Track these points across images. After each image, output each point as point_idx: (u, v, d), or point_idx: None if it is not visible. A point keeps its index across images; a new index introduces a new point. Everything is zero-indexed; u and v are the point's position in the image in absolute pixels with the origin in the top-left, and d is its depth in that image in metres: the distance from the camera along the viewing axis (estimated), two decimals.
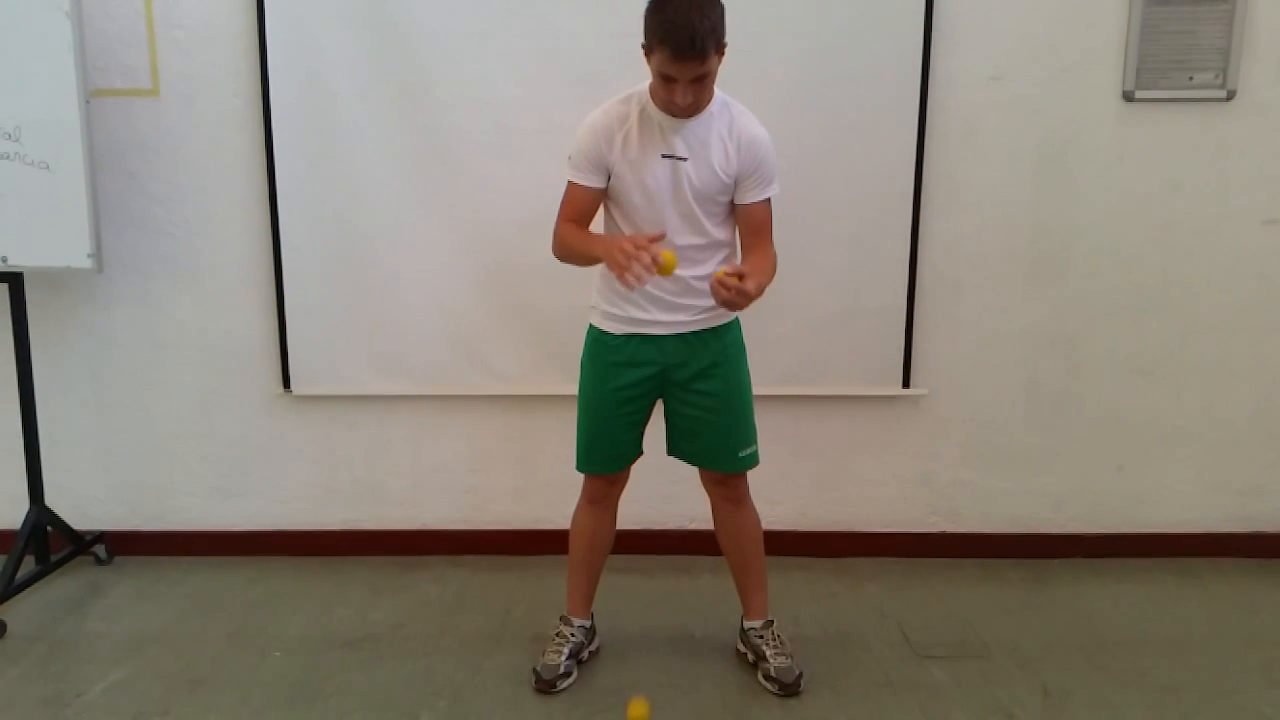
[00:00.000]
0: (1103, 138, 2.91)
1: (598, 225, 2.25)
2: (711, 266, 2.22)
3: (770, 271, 2.17)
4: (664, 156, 2.14)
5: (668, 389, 2.31)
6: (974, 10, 2.83)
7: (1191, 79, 2.86)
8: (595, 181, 2.18)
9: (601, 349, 2.30)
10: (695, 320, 2.25)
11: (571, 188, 2.20)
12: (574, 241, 2.16)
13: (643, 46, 2.05)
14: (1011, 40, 2.86)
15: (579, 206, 2.20)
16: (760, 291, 2.05)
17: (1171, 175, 2.93)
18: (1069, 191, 2.94)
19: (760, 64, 2.79)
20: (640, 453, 2.38)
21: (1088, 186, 2.94)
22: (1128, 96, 2.88)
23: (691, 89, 2.02)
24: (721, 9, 2.00)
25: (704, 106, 2.12)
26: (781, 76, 2.82)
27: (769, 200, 2.21)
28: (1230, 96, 2.87)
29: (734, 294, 1.99)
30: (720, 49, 2.01)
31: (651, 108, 2.14)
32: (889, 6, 2.80)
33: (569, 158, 2.19)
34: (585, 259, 2.15)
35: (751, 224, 2.21)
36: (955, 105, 2.88)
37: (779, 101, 2.79)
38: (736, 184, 2.18)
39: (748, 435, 2.33)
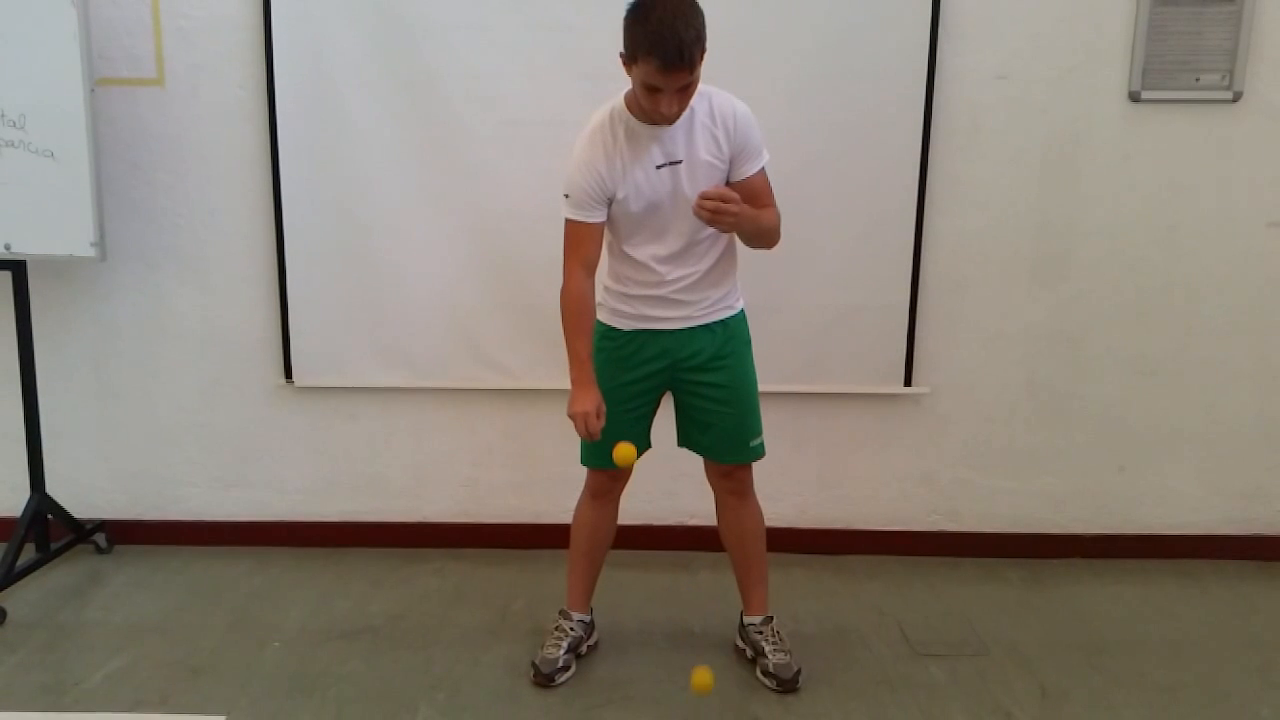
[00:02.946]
0: (1108, 138, 2.90)
1: None
2: (714, 258, 2.22)
3: (771, 218, 2.19)
4: (659, 167, 2.13)
5: (677, 381, 2.31)
6: (981, 9, 2.83)
7: (1198, 80, 2.85)
8: (599, 216, 2.17)
9: (610, 344, 2.30)
10: (703, 313, 2.26)
11: (575, 227, 2.17)
12: (570, 337, 2.16)
13: (621, 56, 2.03)
14: (1018, 39, 2.85)
15: (586, 243, 2.17)
16: (750, 219, 2.08)
17: (1176, 176, 2.92)
18: (1074, 191, 2.94)
19: (767, 61, 2.79)
20: (648, 446, 2.38)
21: (1092, 187, 2.93)
22: (1133, 97, 2.87)
23: (678, 98, 2.01)
24: (702, 14, 1.97)
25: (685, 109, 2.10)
26: (788, 73, 2.82)
27: (763, 168, 2.20)
28: (1236, 98, 2.86)
29: (717, 201, 1.99)
30: (703, 54, 1.99)
31: (634, 121, 2.12)
32: (896, 5, 2.80)
33: (566, 196, 2.16)
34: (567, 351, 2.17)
35: (752, 194, 2.18)
36: (961, 104, 2.88)
37: (785, 98, 2.80)
38: (731, 163, 2.17)
39: (756, 425, 2.34)
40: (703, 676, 2.00)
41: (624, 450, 2.07)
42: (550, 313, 2.89)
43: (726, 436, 2.32)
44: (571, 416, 2.13)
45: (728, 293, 2.29)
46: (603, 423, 2.13)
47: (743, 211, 2.04)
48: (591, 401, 2.12)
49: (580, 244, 2.17)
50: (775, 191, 2.24)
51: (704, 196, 2.01)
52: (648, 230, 2.19)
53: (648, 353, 2.27)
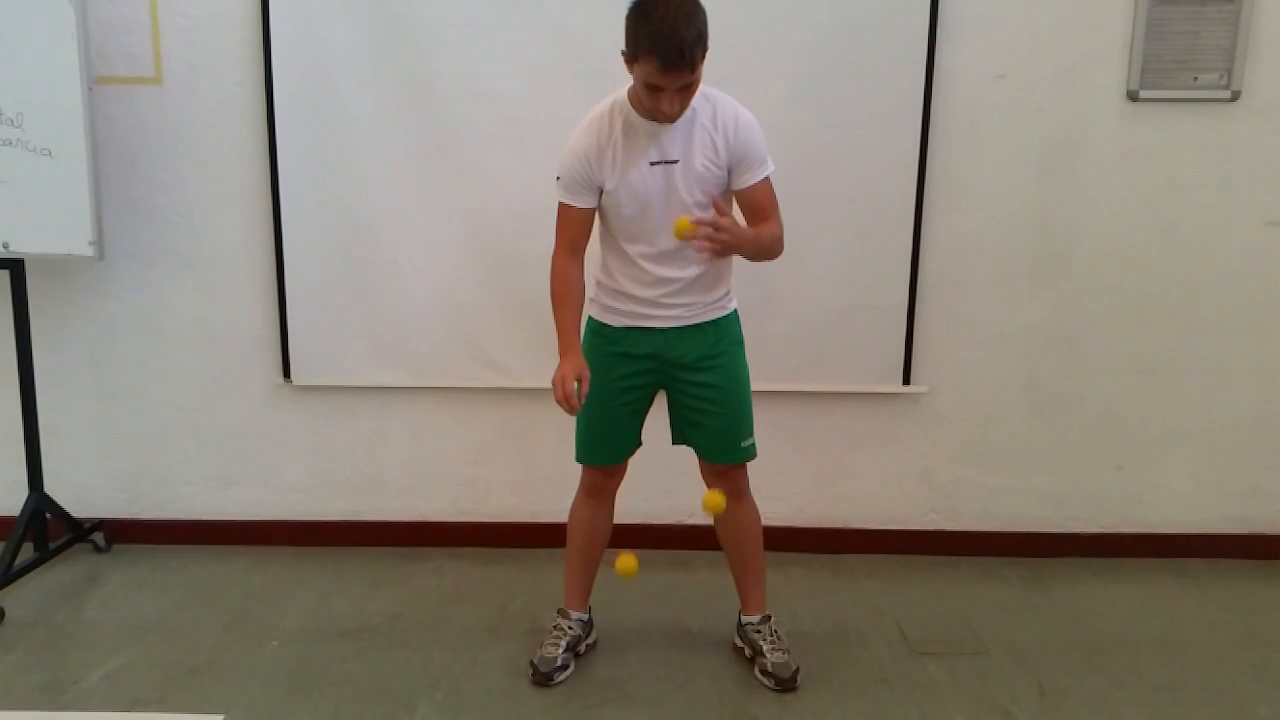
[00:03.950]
0: (1106, 137, 2.90)
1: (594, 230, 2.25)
2: (708, 261, 2.22)
3: (770, 236, 2.16)
4: (653, 164, 2.12)
5: (669, 379, 2.31)
6: (979, 8, 2.83)
7: (1196, 79, 2.85)
8: (587, 202, 2.18)
9: (601, 340, 2.30)
10: (694, 314, 2.26)
11: (564, 209, 2.20)
12: (554, 309, 2.20)
13: (623, 54, 2.02)
14: (1016, 38, 2.85)
15: (575, 227, 2.20)
16: (749, 240, 2.08)
17: (1175, 175, 2.92)
18: (1072, 191, 2.94)
19: (765, 60, 2.80)
20: (639, 443, 2.38)
21: (1091, 186, 2.94)
22: (1132, 96, 2.87)
23: (679, 97, 2.01)
24: (704, 13, 1.97)
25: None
26: (786, 72, 2.82)
27: (768, 178, 2.19)
28: (1235, 97, 2.86)
29: (708, 227, 1.97)
30: (705, 53, 1.98)
31: (635, 116, 2.12)
32: (894, 4, 2.80)
33: (558, 179, 2.18)
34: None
35: (754, 205, 2.18)
36: (959, 103, 2.88)
37: (783, 97, 2.80)
38: (730, 171, 2.16)
39: (748, 426, 2.34)
40: (714, 499, 2.03)
41: (625, 563, 2.11)
42: (549, 310, 2.90)
43: (717, 436, 2.32)
44: (552, 384, 2.10)
45: (722, 295, 2.29)
46: (585, 390, 2.11)
47: (733, 237, 2.02)
48: (571, 367, 2.12)
49: (567, 226, 2.20)
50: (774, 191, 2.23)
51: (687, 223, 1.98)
52: (641, 228, 2.18)
53: (639, 350, 2.27)
